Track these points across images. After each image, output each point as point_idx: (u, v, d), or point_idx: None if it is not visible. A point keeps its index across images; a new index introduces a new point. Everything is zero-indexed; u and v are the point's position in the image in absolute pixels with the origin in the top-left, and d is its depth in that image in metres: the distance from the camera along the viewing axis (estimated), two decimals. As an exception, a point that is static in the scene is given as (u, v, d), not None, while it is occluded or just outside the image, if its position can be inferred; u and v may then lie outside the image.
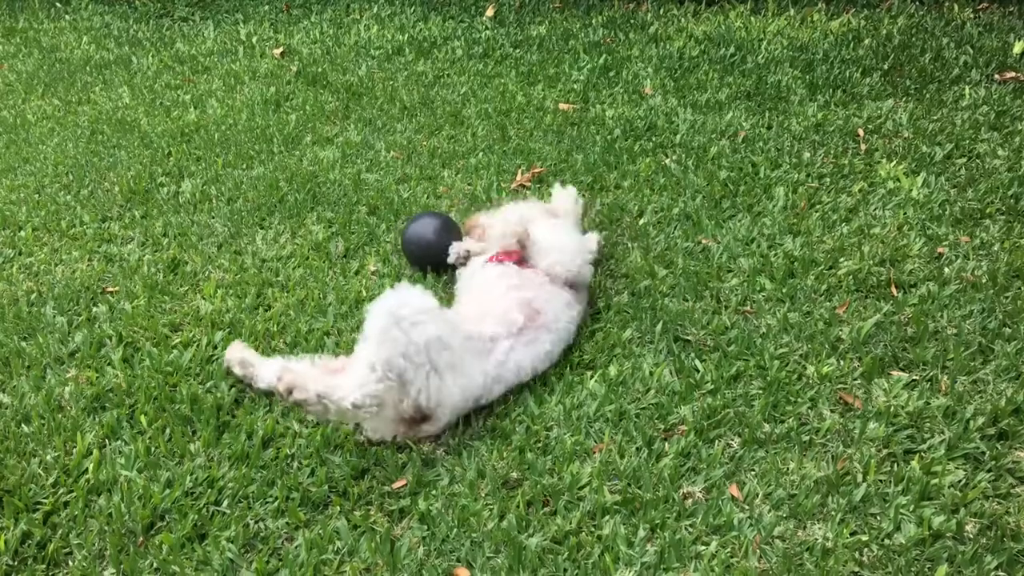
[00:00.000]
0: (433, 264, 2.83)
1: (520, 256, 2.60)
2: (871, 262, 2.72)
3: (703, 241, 2.93)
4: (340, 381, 2.04)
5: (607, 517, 1.87)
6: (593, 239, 2.76)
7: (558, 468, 2.01)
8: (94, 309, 2.72)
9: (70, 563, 1.84)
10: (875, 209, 3.07)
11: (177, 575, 1.79)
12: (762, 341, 2.39)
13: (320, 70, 5.00)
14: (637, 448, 2.06)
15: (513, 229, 2.60)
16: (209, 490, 1.99)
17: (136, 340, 2.56)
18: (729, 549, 1.79)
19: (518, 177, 3.49)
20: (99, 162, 3.87)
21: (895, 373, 2.25)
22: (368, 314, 2.06)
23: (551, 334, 2.35)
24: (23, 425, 2.22)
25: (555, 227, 2.72)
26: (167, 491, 1.97)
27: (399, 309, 2.01)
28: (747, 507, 1.89)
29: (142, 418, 2.21)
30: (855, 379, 2.24)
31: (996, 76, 4.19)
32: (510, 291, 2.40)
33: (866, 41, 4.82)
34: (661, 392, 2.23)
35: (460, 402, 2.12)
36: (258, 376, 2.27)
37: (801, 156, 3.52)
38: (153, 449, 2.12)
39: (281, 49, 5.46)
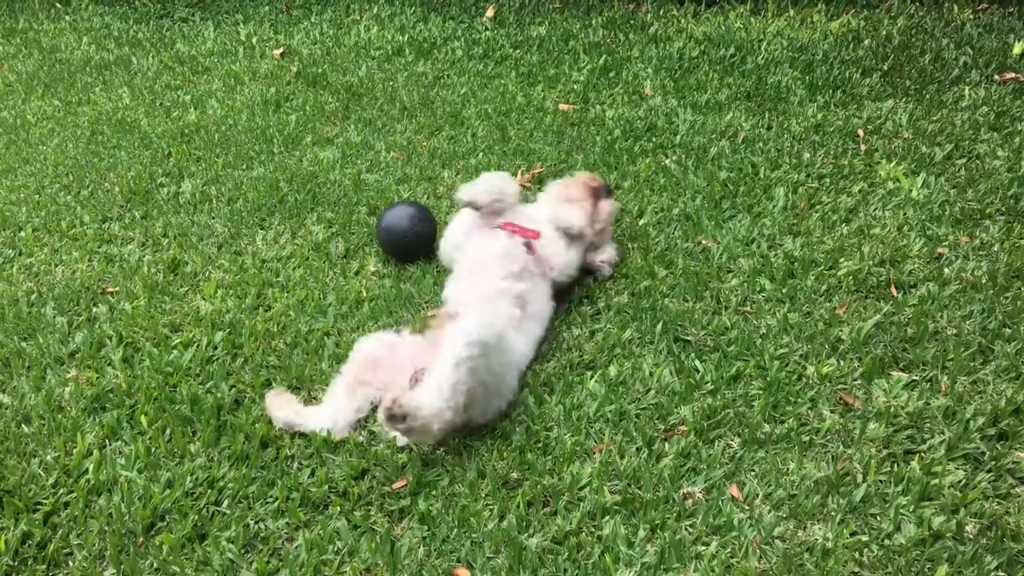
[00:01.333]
0: (409, 254, 2.90)
1: (535, 236, 2.61)
2: (871, 262, 2.72)
3: (703, 241, 2.93)
4: (419, 399, 1.97)
5: (607, 517, 1.87)
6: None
7: (558, 468, 2.01)
8: (94, 309, 2.72)
9: (70, 563, 1.84)
10: (875, 209, 3.07)
11: (177, 575, 1.79)
12: (762, 341, 2.39)
13: (320, 71, 5.00)
14: (637, 448, 2.06)
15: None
16: (209, 490, 1.99)
17: (136, 340, 2.56)
18: (729, 549, 1.79)
19: (518, 178, 3.49)
20: (99, 163, 3.87)
21: (895, 373, 2.25)
22: (455, 336, 2.03)
23: (536, 322, 2.44)
24: (23, 425, 2.22)
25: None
26: (167, 491, 1.97)
27: (488, 337, 2.06)
28: (747, 507, 1.89)
29: (142, 418, 2.21)
30: (855, 379, 2.24)
31: (996, 77, 4.19)
32: (508, 279, 2.43)
33: (866, 42, 4.82)
34: (661, 392, 2.23)
35: (503, 408, 2.20)
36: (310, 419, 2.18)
37: (801, 157, 3.52)
38: (153, 449, 2.12)
39: (281, 50, 5.46)
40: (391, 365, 2.26)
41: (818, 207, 3.11)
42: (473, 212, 2.68)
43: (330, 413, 2.17)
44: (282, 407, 2.18)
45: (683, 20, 5.50)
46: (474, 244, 2.59)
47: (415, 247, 2.89)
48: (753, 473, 1.98)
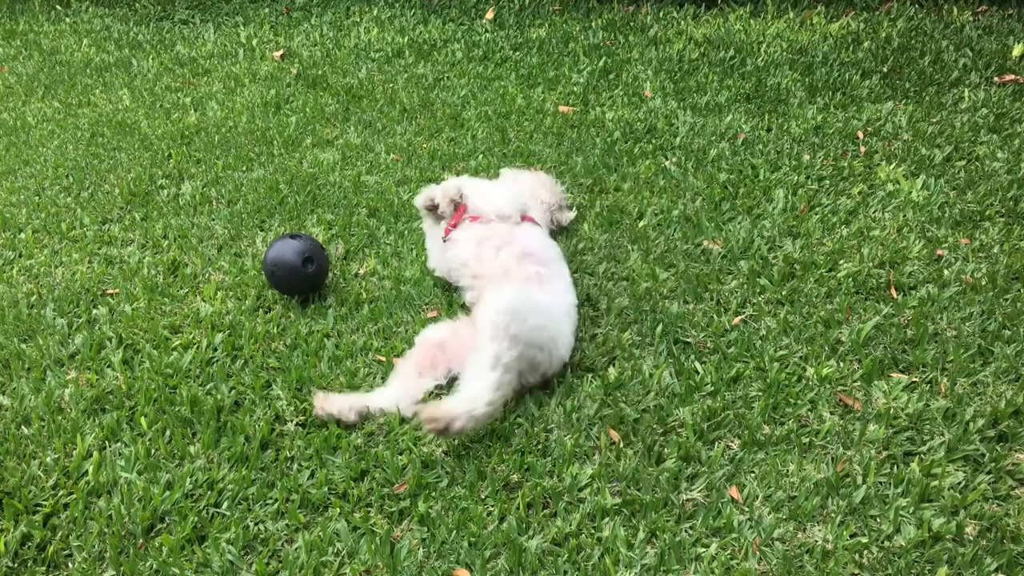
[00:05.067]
0: (300, 288, 2.67)
1: (463, 212, 2.75)
2: (871, 264, 2.73)
3: (705, 243, 2.93)
4: (468, 391, 2.07)
5: (607, 519, 1.87)
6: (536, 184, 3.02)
7: (558, 470, 2.01)
8: (94, 311, 2.73)
9: (70, 565, 1.84)
10: (875, 211, 3.07)
11: (177, 577, 1.79)
12: (762, 343, 2.39)
13: (320, 72, 5.00)
14: (636, 450, 2.06)
15: (447, 191, 2.79)
16: (209, 492, 1.99)
17: (136, 342, 2.56)
18: (729, 551, 1.79)
19: (518, 179, 3.49)
20: (99, 164, 3.88)
21: (895, 375, 2.25)
22: (492, 314, 2.14)
23: (560, 263, 2.61)
24: (23, 427, 2.22)
25: (487, 183, 2.93)
26: (167, 493, 1.97)
27: (515, 303, 2.18)
28: (747, 509, 1.89)
29: (142, 420, 2.21)
30: (855, 381, 2.24)
31: (995, 79, 4.20)
32: (502, 250, 2.55)
33: (865, 44, 4.83)
34: (661, 394, 2.23)
35: (566, 358, 2.34)
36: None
37: (801, 158, 3.52)
38: (153, 451, 2.12)
39: (281, 52, 5.47)
40: (458, 344, 2.34)
41: (818, 209, 3.11)
42: (432, 220, 2.85)
43: (397, 393, 2.25)
44: (340, 397, 2.22)
45: (683, 22, 5.51)
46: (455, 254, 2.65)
47: (311, 281, 2.66)
48: (753, 475, 1.98)
